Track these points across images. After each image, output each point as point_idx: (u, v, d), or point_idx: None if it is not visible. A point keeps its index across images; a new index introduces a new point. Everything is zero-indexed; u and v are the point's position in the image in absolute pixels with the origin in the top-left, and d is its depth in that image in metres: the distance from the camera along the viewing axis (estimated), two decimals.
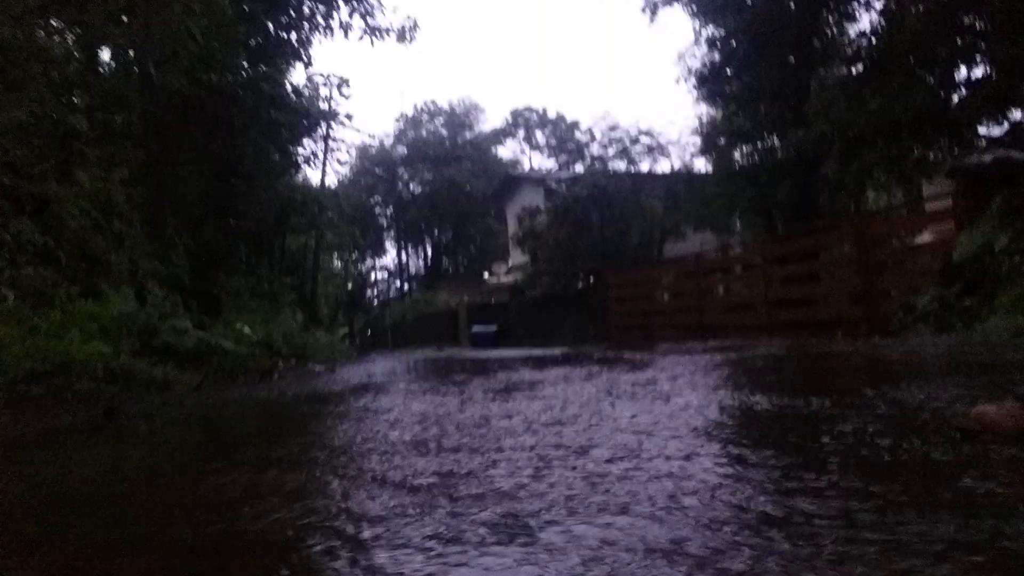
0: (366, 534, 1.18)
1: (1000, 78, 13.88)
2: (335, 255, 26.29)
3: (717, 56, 19.01)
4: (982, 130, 14.99)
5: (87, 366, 5.64)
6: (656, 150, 25.28)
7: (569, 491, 1.36)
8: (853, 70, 16.00)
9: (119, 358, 6.09)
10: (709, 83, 19.61)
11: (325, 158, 19.16)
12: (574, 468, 1.58)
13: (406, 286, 52.72)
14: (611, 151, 25.80)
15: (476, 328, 24.12)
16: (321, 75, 17.11)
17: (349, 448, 2.16)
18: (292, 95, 14.19)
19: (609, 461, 1.64)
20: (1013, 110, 14.31)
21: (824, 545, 0.97)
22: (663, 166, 24.71)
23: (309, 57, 14.06)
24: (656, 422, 2.22)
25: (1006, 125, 14.41)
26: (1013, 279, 7.16)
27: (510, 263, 33.94)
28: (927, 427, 1.83)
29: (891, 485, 1.29)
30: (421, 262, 56.32)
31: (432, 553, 1.04)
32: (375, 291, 53.23)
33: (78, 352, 5.75)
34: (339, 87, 17.86)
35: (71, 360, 5.59)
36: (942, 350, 5.02)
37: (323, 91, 17.49)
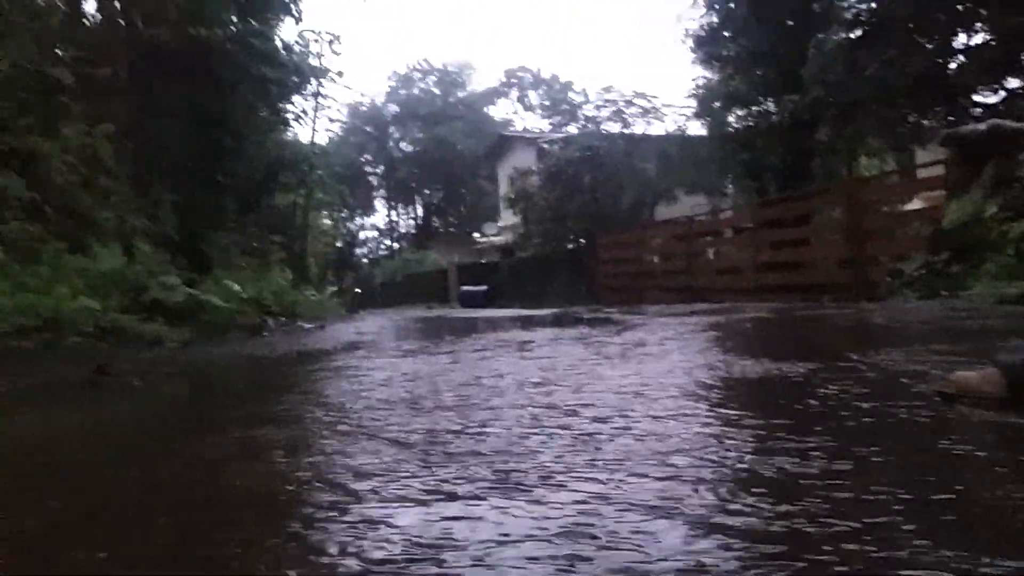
0: (360, 488, 1.21)
1: (998, 46, 13.79)
2: (325, 213, 26.09)
3: (715, 18, 18.78)
4: (978, 98, 14.95)
5: (76, 322, 5.63)
6: (650, 113, 25.05)
7: (561, 449, 1.40)
8: (851, 35, 15.85)
9: (108, 314, 6.09)
10: (706, 45, 19.40)
11: (315, 116, 18.87)
12: (565, 427, 1.62)
13: (396, 245, 52.58)
14: (605, 113, 25.55)
15: (466, 288, 24.16)
16: (312, 31, 16.73)
17: (342, 405, 2.19)
18: (282, 51, 13.92)
19: (599, 420, 1.67)
20: (1009, 79, 14.25)
21: (807, 502, 1.00)
22: (657, 129, 24.49)
23: (300, 13, 13.78)
24: (645, 383, 2.26)
25: (1002, 94, 14.38)
26: (999, 247, 7.22)
27: (501, 223, 33.85)
28: (908, 391, 1.87)
29: (871, 447, 1.33)
30: (411, 221, 56.08)
31: (429, 507, 1.07)
32: (365, 250, 53.06)
33: (67, 308, 5.74)
34: (330, 44, 17.51)
35: (60, 315, 5.58)
36: (927, 316, 5.09)
37: (314, 48, 17.15)
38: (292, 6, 13.22)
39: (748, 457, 1.30)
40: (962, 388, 1.65)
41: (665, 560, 0.82)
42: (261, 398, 2.74)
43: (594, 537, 0.91)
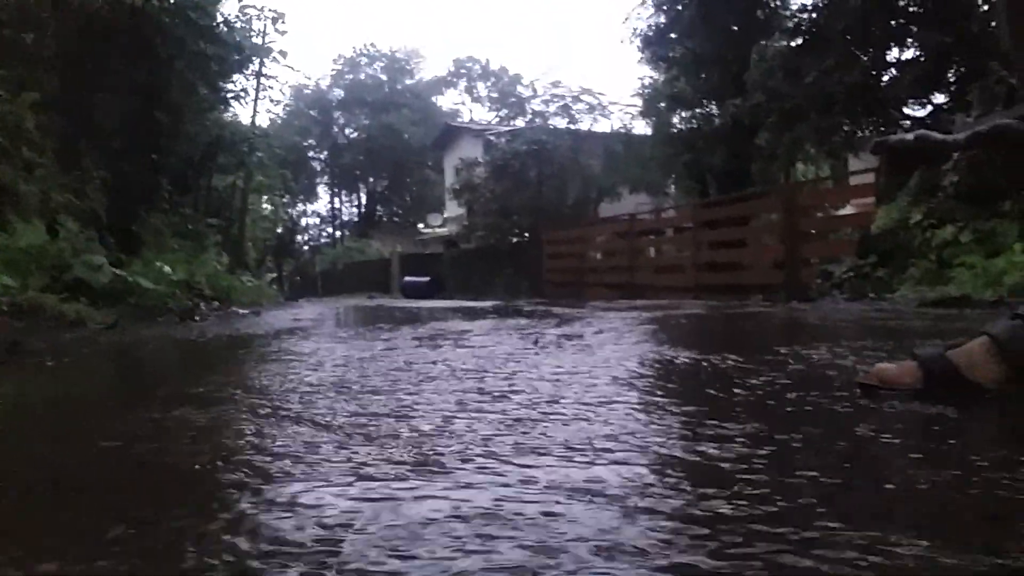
0: (276, 468, 1.16)
1: (927, 62, 14.39)
2: (265, 198, 25.46)
3: (663, 19, 19.04)
4: (908, 111, 15.59)
5: None
6: (597, 109, 25.29)
7: (486, 433, 1.37)
8: (793, 43, 16.31)
9: (27, 292, 5.79)
10: (654, 46, 19.66)
11: (257, 96, 18.38)
12: (493, 412, 1.59)
13: (338, 233, 51.73)
14: (553, 108, 25.67)
15: (408, 278, 23.98)
16: (255, 8, 16.28)
17: (267, 388, 2.12)
18: (223, 27, 13.49)
19: (528, 406, 1.66)
20: (937, 94, 14.90)
21: (726, 484, 1.00)
22: (603, 126, 24.73)
23: None
24: (577, 371, 2.25)
25: (930, 108, 15.03)
26: (923, 253, 7.54)
27: (446, 214, 33.67)
28: (831, 383, 1.92)
29: (792, 433, 1.35)
30: (355, 209, 55.29)
31: (346, 488, 1.03)
32: (306, 237, 52.05)
33: None
34: (274, 22, 17.08)
35: None
36: (853, 316, 5.27)
37: (256, 25, 16.69)
38: None
39: (672, 442, 1.30)
40: (882, 380, 1.70)
41: (581, 540, 0.80)
42: (183, 380, 2.63)
43: (512, 517, 0.89)
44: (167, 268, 8.79)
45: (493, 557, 0.76)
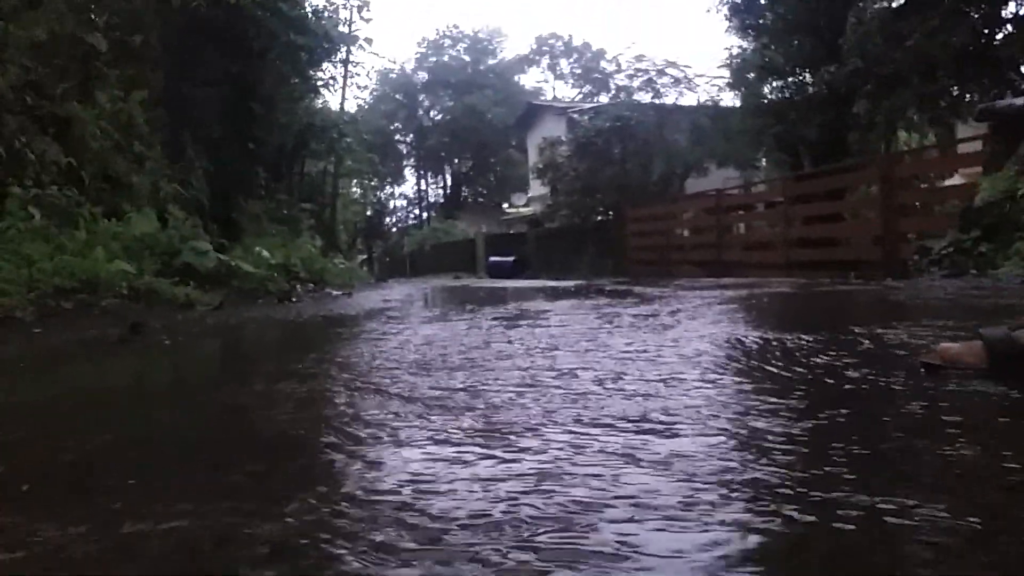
0: (365, 434, 1.33)
1: None
2: (354, 182, 26.29)
3: None
4: None
5: (112, 284, 5.86)
6: (683, 83, 24.63)
7: (550, 405, 1.50)
8: (892, 4, 15.40)
9: (142, 277, 6.31)
10: (742, 14, 18.99)
11: (345, 83, 19.00)
12: (560, 387, 1.72)
13: (425, 215, 52.77)
14: (637, 83, 25.15)
15: (493, 258, 24.27)
16: None
17: (358, 365, 2.32)
18: (311, 17, 13.99)
19: (594, 382, 1.77)
20: None
21: (766, 453, 1.09)
22: (689, 100, 24.10)
23: None
24: (646, 350, 2.35)
25: None
26: None
27: (530, 194, 33.80)
28: (897, 362, 1.94)
29: (842, 409, 1.41)
30: (440, 191, 56.16)
31: (423, 450, 1.18)
32: (394, 219, 53.36)
33: (103, 270, 5.96)
34: (359, 10, 17.57)
35: (97, 278, 5.81)
36: (949, 294, 5.07)
37: (343, 14, 17.22)
38: None
39: (723, 416, 1.38)
40: (945, 358, 1.71)
41: (622, 497, 0.92)
42: (284, 357, 2.88)
43: (563, 475, 1.01)
44: (265, 252, 9.31)
45: (543, 508, 0.89)
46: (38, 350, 3.32)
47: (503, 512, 0.89)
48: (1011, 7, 14.37)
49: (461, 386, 1.80)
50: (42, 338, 3.76)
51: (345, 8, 17.10)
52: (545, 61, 55.47)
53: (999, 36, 14.33)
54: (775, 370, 1.88)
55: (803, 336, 2.55)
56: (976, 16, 14.16)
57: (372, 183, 36.43)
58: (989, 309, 3.70)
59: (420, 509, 0.91)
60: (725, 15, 18.83)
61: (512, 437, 1.26)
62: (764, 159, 21.77)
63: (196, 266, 7.31)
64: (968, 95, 14.62)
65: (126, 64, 9.63)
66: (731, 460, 1.10)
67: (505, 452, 1.16)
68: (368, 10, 17.82)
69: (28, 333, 3.92)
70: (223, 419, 1.59)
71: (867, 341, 2.38)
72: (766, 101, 19.20)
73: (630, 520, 0.85)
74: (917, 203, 11.77)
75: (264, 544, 0.83)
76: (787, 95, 18.60)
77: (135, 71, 9.67)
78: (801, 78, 18.31)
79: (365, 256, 26.25)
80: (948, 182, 11.87)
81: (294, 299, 7.42)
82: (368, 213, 32.44)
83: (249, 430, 1.47)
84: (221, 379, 2.33)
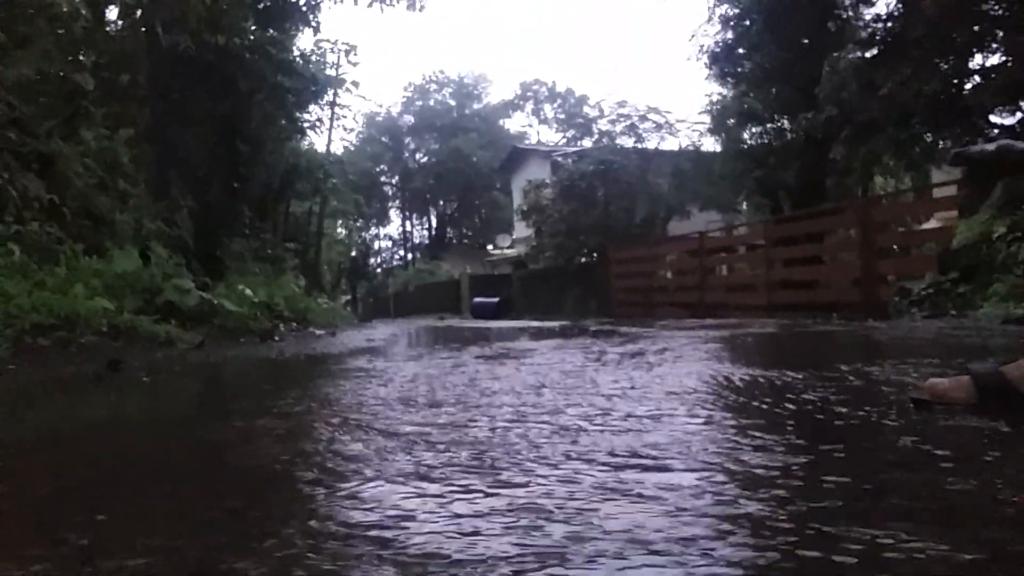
0: (346, 469, 1.29)
1: (1014, 66, 13.75)
2: (339, 222, 26.32)
3: (730, 35, 18.86)
4: (995, 119, 14.88)
5: (91, 321, 5.76)
6: (664, 128, 25.07)
7: (537, 441, 1.47)
8: (866, 54, 15.87)
9: (123, 314, 6.22)
10: (721, 62, 19.47)
11: (331, 125, 19.18)
12: (546, 423, 1.69)
13: (409, 255, 52.82)
14: (619, 127, 25.57)
15: (477, 299, 24.25)
16: (329, 41, 17.06)
17: (340, 401, 2.27)
18: (299, 60, 14.17)
19: (581, 418, 1.74)
20: None
21: (760, 487, 1.07)
22: (671, 144, 24.52)
23: (318, 23, 14.03)
24: (633, 387, 2.32)
25: (1019, 115, 14.32)
26: (1008, 268, 7.22)
27: (514, 236, 33.97)
28: (886, 398, 1.93)
29: (834, 444, 1.39)
30: (425, 232, 56.36)
31: (405, 486, 1.14)
32: (379, 259, 53.37)
33: (83, 307, 5.87)
34: (347, 54, 17.82)
35: (76, 315, 5.72)
36: (930, 333, 5.11)
37: (331, 57, 17.47)
38: (310, 16, 13.47)
39: (713, 451, 1.36)
40: (934, 394, 1.70)
41: (611, 532, 0.89)
42: (265, 394, 2.82)
43: (552, 511, 0.98)
44: (248, 291, 9.24)
45: (530, 542, 0.86)
46: (12, 387, 3.23)
47: (488, 548, 0.85)
48: (978, 58, 14.85)
49: (445, 422, 1.77)
50: (17, 375, 3.66)
51: (333, 52, 17.37)
52: (529, 106, 56.39)
53: (968, 85, 14.78)
54: (764, 406, 1.86)
55: (790, 373, 2.54)
56: (946, 67, 14.61)
57: (357, 224, 36.49)
58: (972, 347, 3.72)
59: (402, 545, 0.87)
60: (705, 63, 19.31)
61: (498, 473, 1.23)
62: (745, 203, 22.11)
63: (178, 304, 7.23)
64: (941, 141, 15.00)
65: (113, 102, 9.66)
66: (725, 494, 1.08)
67: (491, 488, 1.13)
68: (355, 54, 18.08)
69: (3, 370, 3.82)
70: (200, 455, 1.54)
71: (854, 378, 2.37)
72: (746, 146, 19.58)
73: (620, 556, 0.82)
74: (895, 246, 11.97)
75: None
76: (766, 140, 18.99)
77: (122, 109, 9.71)
78: (780, 124, 18.72)
79: (349, 296, 26.12)
80: (925, 225, 12.10)
81: (277, 338, 7.33)
82: (353, 253, 32.39)
83: (227, 465, 1.42)
84: (200, 416, 2.27)
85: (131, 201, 9.16)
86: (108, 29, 10.64)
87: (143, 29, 10.41)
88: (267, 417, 1.92)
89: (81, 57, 9.28)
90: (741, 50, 18.92)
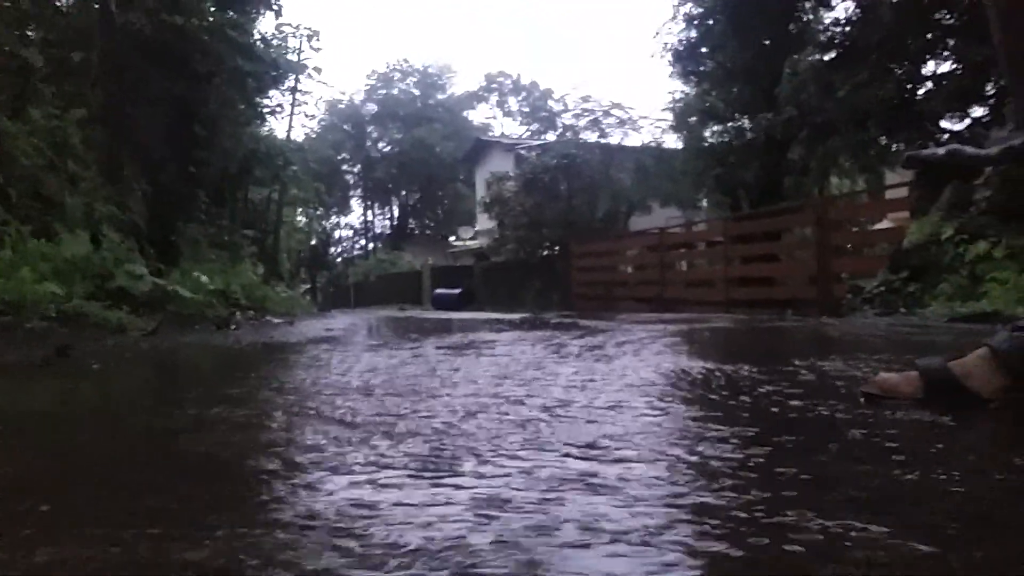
0: (303, 459, 1.27)
1: (964, 75, 14.18)
2: (299, 210, 25.94)
3: (694, 33, 19.06)
4: (945, 124, 15.34)
5: (39, 306, 5.58)
6: (627, 123, 25.26)
7: (497, 432, 1.47)
8: (825, 57, 16.20)
9: (72, 300, 6.04)
10: (684, 60, 19.67)
11: (292, 111, 18.88)
12: (506, 414, 1.69)
13: (371, 245, 52.33)
14: (583, 122, 25.69)
15: (439, 291, 24.17)
16: (291, 26, 16.75)
17: (298, 391, 2.24)
18: (260, 44, 13.89)
19: (541, 409, 1.75)
20: (975, 107, 14.66)
21: (715, 478, 1.08)
22: (633, 140, 24.73)
23: (279, 6, 13.77)
24: (592, 379, 2.34)
25: (968, 121, 14.79)
26: (954, 268, 7.46)
27: (477, 228, 33.92)
28: (837, 392, 1.97)
29: (787, 436, 1.42)
30: (387, 222, 55.89)
31: (364, 476, 1.13)
32: (339, 249, 52.76)
33: (30, 292, 5.68)
34: (309, 39, 17.53)
35: (22, 299, 5.53)
36: (880, 331, 5.25)
37: (292, 42, 17.16)
38: (271, 0, 13.21)
39: (670, 443, 1.38)
40: (884, 388, 1.75)
41: (570, 521, 0.89)
42: (219, 382, 2.77)
43: (511, 501, 0.98)
44: (204, 278, 9.05)
45: (490, 532, 0.85)
46: None
47: (447, 538, 0.85)
48: (931, 65, 15.29)
49: (405, 412, 1.75)
50: None
51: (295, 36, 17.07)
52: (494, 98, 56.26)
53: (921, 91, 15.21)
54: (720, 399, 1.89)
55: (746, 367, 2.59)
56: (900, 72, 15.00)
57: (318, 212, 36.01)
58: (920, 344, 3.84)
59: (360, 536, 0.86)
60: (669, 60, 19.50)
61: (458, 463, 1.22)
62: (705, 200, 22.42)
63: (130, 290, 7.05)
64: (895, 144, 15.43)
65: (64, 81, 9.34)
66: (680, 485, 1.09)
67: (450, 478, 1.12)
68: (318, 40, 17.80)
69: None
70: (150, 443, 1.50)
71: (807, 372, 2.43)
72: (707, 144, 19.85)
73: (580, 545, 0.82)
74: (850, 245, 12.28)
75: (189, 571, 0.77)
76: (727, 139, 19.28)
77: (73, 88, 9.39)
78: (740, 123, 19.02)
79: (309, 285, 25.79)
80: (878, 226, 12.44)
81: (233, 326, 7.20)
82: (313, 242, 31.97)
83: (178, 454, 1.39)
84: (151, 403, 2.21)
85: (82, 183, 8.88)
86: (59, 4, 10.29)
87: (96, 6, 10.08)
88: (222, 406, 1.88)
89: (29, 32, 8.95)
90: (704, 49, 19.15)
